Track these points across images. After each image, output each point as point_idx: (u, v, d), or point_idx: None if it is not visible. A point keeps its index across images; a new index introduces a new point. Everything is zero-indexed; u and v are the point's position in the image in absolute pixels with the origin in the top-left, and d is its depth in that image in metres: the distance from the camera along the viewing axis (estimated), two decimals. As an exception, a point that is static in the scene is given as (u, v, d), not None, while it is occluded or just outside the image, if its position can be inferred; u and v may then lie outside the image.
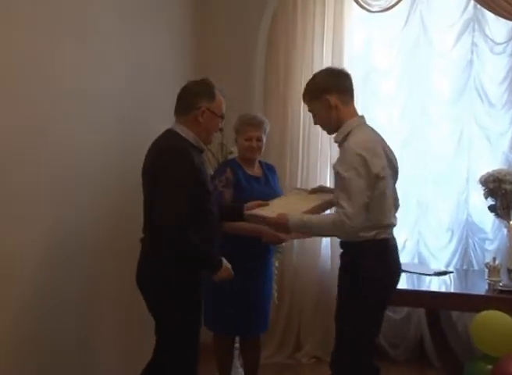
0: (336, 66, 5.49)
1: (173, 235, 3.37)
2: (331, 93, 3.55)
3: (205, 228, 3.52)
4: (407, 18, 5.80)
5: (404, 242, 5.82)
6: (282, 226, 3.61)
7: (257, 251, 4.45)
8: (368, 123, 5.65)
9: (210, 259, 3.59)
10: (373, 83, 5.96)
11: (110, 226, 4.74)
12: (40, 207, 3.98)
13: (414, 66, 5.85)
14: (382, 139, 3.73)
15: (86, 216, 4.43)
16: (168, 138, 3.57)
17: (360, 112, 5.66)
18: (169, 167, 3.41)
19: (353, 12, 5.87)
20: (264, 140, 4.65)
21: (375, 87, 5.96)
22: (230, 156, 5.13)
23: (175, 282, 3.50)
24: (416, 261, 5.78)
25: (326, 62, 5.80)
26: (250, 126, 4.58)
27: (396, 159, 3.70)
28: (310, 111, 3.78)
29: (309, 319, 5.91)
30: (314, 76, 3.83)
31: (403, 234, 5.80)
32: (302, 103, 5.61)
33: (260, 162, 4.74)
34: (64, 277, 4.21)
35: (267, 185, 4.60)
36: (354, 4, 5.75)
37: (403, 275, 4.74)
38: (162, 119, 3.96)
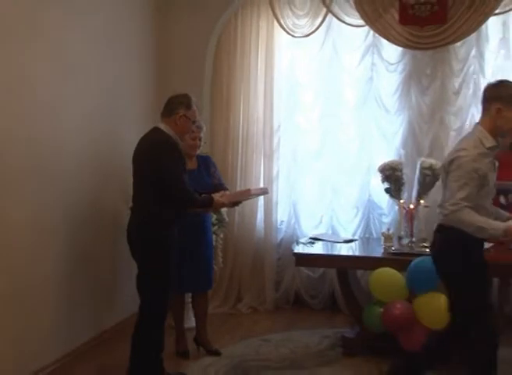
0: (268, 79, 5.97)
1: (185, 197, 3.94)
2: None
3: None
4: (323, 42, 6.00)
5: (321, 218, 6.09)
6: None
7: (197, 225, 4.66)
8: (292, 126, 6.00)
9: (202, 203, 4.13)
10: (296, 94, 6.15)
11: (89, 204, 4.88)
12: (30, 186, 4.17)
13: (328, 80, 6.05)
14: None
15: (70, 196, 4.60)
16: (158, 133, 3.97)
17: (285, 118, 5.99)
18: (167, 153, 3.87)
19: (281, 36, 6.05)
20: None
21: (298, 97, 6.15)
22: None
23: (156, 238, 3.88)
24: (330, 232, 5.96)
25: (260, 76, 6.07)
26: (195, 127, 4.59)
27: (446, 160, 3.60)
28: None
29: (247, 278, 6.13)
30: None
31: (320, 211, 6.11)
32: (242, 107, 6.05)
33: (197, 156, 4.82)
34: (53, 242, 4.45)
35: (197, 177, 4.63)
36: (282, 30, 5.96)
37: (319, 242, 5.22)
38: (130, 119, 4.19)
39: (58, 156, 4.48)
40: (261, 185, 5.97)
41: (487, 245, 4.63)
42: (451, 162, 3.48)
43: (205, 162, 4.86)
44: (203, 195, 4.16)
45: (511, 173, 5.05)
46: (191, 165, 4.67)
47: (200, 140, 4.74)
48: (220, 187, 4.69)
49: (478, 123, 3.59)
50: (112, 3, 5.20)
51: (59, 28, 4.47)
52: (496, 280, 5.05)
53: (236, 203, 4.51)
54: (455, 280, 3.57)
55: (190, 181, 4.28)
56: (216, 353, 4.81)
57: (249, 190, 4.73)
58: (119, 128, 5.24)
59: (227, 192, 4.52)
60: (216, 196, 4.15)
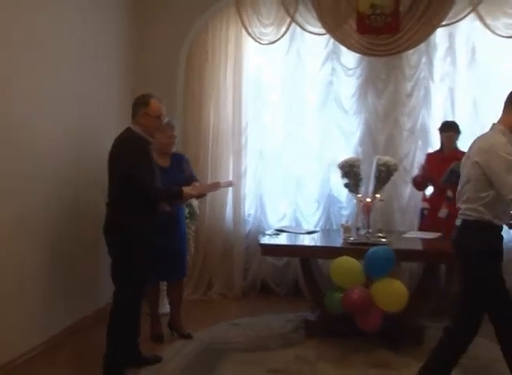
0: (237, 82, 6.02)
1: (148, 192, 3.93)
2: None
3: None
4: (287, 49, 6.08)
5: (285, 211, 6.18)
6: None
7: (171, 218, 4.61)
8: (259, 125, 6.07)
9: (171, 195, 4.20)
10: (263, 96, 6.23)
11: (69, 198, 4.87)
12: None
13: (292, 83, 6.14)
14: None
15: (51, 190, 4.62)
16: (125, 132, 4.01)
17: (252, 118, 6.04)
18: (127, 151, 3.88)
19: (248, 43, 6.12)
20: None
21: (265, 99, 6.24)
22: None
23: (126, 232, 3.88)
24: (294, 224, 6.04)
25: (229, 79, 6.12)
26: (170, 127, 4.70)
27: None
28: None
29: (217, 267, 6.19)
30: None
31: (285, 205, 6.20)
32: (212, 107, 6.10)
33: (173, 153, 4.82)
34: (30, 232, 4.41)
35: (170, 173, 4.61)
36: (250, 38, 6.04)
37: (284, 234, 5.24)
38: (110, 120, 4.17)
39: (39, 153, 4.48)
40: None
41: (433, 235, 4.89)
42: (485, 156, 3.41)
43: (178, 159, 4.82)
44: (173, 188, 4.21)
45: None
46: (164, 162, 4.65)
47: (174, 138, 4.79)
48: (191, 178, 4.72)
49: (497, 122, 3.59)
50: (90, 8, 5.18)
51: (33, 27, 4.41)
52: (442, 266, 5.26)
53: (203, 194, 4.73)
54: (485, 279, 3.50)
55: (164, 178, 4.33)
56: (188, 337, 4.85)
57: (218, 183, 4.83)
58: (97, 128, 5.22)
59: (197, 184, 4.58)
60: (185, 188, 4.17)
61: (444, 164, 5.19)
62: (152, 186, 3.96)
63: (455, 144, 5.37)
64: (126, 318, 3.96)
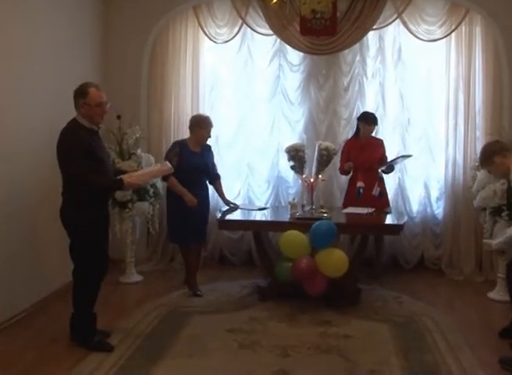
0: (195, 77, 5.94)
1: (77, 181, 3.59)
2: None
3: (101, 173, 3.66)
4: (239, 47, 6.02)
5: (239, 190, 6.11)
6: None
7: (199, 190, 4.87)
8: (215, 115, 5.84)
9: (111, 185, 3.78)
10: (219, 89, 6.13)
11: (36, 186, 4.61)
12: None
13: (244, 78, 6.08)
14: None
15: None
16: (67, 124, 3.70)
17: (209, 109, 5.88)
18: (64, 142, 3.61)
19: (205, 42, 6.04)
20: None
21: (220, 92, 6.13)
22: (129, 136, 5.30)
23: (74, 218, 3.68)
24: (247, 202, 5.99)
25: (188, 75, 6.00)
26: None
27: None
28: None
29: None
30: None
31: (238, 185, 6.12)
32: (173, 100, 5.98)
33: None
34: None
35: (201, 157, 4.91)
36: (206, 37, 5.98)
37: (238, 210, 5.17)
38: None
39: (12, 150, 4.28)
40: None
41: (368, 210, 4.91)
42: None
43: (207, 147, 5.07)
44: (112, 178, 3.81)
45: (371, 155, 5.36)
46: (197, 149, 4.94)
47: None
48: (213, 165, 5.13)
49: None
50: (58, 4, 4.99)
51: (13, 35, 4.29)
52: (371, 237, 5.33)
53: (146, 182, 4.47)
54: None
55: (196, 160, 4.81)
56: (198, 295, 4.96)
57: (159, 170, 4.25)
58: (61, 119, 4.95)
59: (138, 173, 4.04)
60: (126, 178, 3.74)
61: (363, 149, 5.35)
62: (82, 175, 3.57)
63: (371, 133, 5.48)
64: (80, 292, 3.81)
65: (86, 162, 3.57)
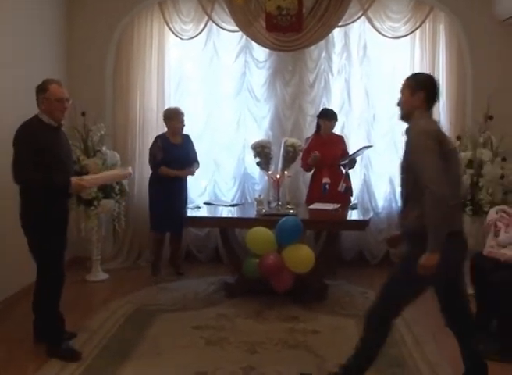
0: (160, 73, 5.92)
1: (24, 180, 3.49)
2: None
3: (54, 171, 3.52)
4: (205, 44, 6.00)
5: (205, 187, 6.11)
6: None
7: (181, 179, 5.37)
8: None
9: (55, 183, 3.56)
10: (185, 85, 6.10)
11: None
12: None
13: (210, 74, 6.05)
14: None
15: None
16: (27, 120, 3.61)
17: (179, 105, 5.75)
18: (16, 137, 3.54)
19: (170, 38, 5.98)
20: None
21: (186, 88, 6.11)
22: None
23: (28, 217, 3.61)
24: (213, 198, 5.92)
25: (154, 71, 5.95)
26: (181, 114, 5.34)
27: None
28: None
29: (145, 238, 5.91)
30: None
31: (204, 182, 6.10)
32: (139, 97, 5.95)
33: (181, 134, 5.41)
34: None
35: (181, 148, 5.35)
36: (172, 34, 5.93)
37: (205, 207, 5.24)
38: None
39: None
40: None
41: (333, 206, 4.95)
42: None
43: (187, 139, 5.50)
44: (60, 177, 3.60)
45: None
46: (176, 140, 5.39)
47: (183, 122, 5.40)
48: (194, 156, 5.51)
49: None
50: None
51: None
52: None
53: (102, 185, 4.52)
54: None
55: (177, 152, 5.21)
56: (181, 274, 5.55)
57: (117, 175, 4.39)
58: (23, 119, 4.75)
59: (92, 176, 4.10)
60: (74, 179, 3.66)
61: (325, 146, 5.35)
62: (25, 171, 3.47)
63: (332, 129, 5.49)
64: (43, 292, 3.71)
65: (35, 158, 3.46)
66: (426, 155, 2.69)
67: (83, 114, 5.23)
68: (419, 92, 2.88)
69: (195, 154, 5.54)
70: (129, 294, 4.95)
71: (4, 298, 4.63)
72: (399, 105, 3.01)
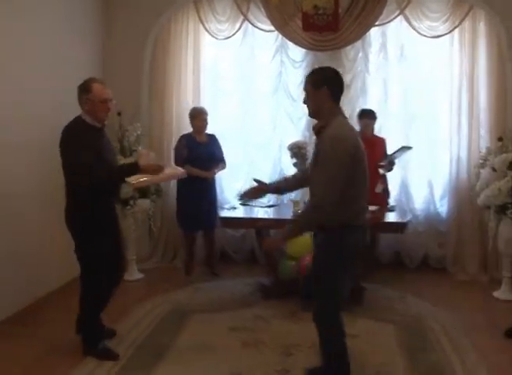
0: (196, 72, 5.94)
1: (86, 178, 3.39)
2: None
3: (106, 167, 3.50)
4: (241, 43, 6.01)
5: (241, 188, 5.83)
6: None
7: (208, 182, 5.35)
8: (216, 111, 5.94)
9: (121, 172, 3.59)
10: (220, 84, 6.12)
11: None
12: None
13: (245, 74, 6.05)
14: None
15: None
16: (71, 121, 3.56)
17: (210, 105, 5.85)
18: (67, 139, 3.48)
19: (206, 37, 6.02)
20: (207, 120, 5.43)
21: (222, 87, 6.12)
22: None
23: (75, 220, 3.57)
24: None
25: (190, 70, 5.99)
26: (204, 113, 5.39)
27: None
28: None
29: (181, 238, 5.87)
30: None
31: (241, 183, 6.04)
32: (174, 96, 5.99)
33: (206, 133, 5.46)
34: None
35: (207, 146, 5.39)
36: (207, 33, 5.96)
37: (240, 207, 5.21)
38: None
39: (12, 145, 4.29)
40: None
41: (371, 208, 4.89)
42: None
43: (212, 139, 5.52)
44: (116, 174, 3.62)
45: None
46: (201, 138, 5.42)
47: (205, 121, 5.42)
48: (220, 154, 5.52)
49: None
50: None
51: (16, 30, 4.32)
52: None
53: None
54: None
55: (202, 150, 5.22)
56: (216, 275, 5.55)
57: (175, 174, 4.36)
58: (62, 117, 4.91)
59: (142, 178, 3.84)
60: (131, 179, 3.62)
61: (365, 146, 5.14)
62: (86, 170, 3.39)
63: (371, 129, 5.42)
64: (86, 295, 3.69)
65: (89, 159, 3.42)
66: (334, 167, 2.81)
67: (119, 114, 5.27)
68: (322, 88, 2.91)
69: (221, 153, 5.55)
70: (165, 294, 4.98)
71: (43, 294, 4.73)
72: (305, 102, 3.06)
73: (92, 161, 3.41)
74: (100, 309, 3.75)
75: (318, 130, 3.00)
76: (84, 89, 3.55)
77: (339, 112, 3.01)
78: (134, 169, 3.58)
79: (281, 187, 3.59)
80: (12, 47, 4.29)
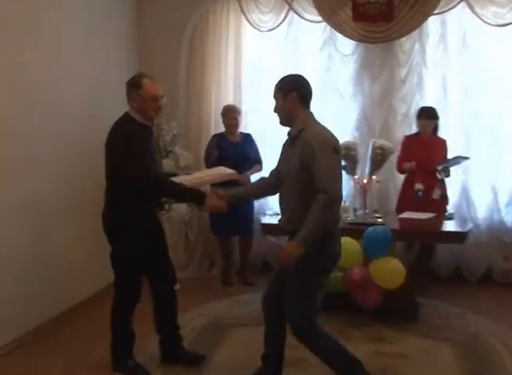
0: (237, 68, 5.95)
1: (142, 180, 3.34)
2: None
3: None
4: (285, 35, 5.96)
5: None
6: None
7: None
8: (258, 109, 5.92)
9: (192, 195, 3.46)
10: (260, 80, 6.01)
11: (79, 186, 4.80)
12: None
13: (290, 69, 5.40)
14: None
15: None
16: (120, 119, 3.54)
17: (252, 103, 5.90)
18: (120, 138, 3.40)
19: (248, 30, 6.00)
20: (239, 119, 5.53)
21: (265, 83, 5.81)
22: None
23: (116, 227, 3.52)
24: None
25: (230, 64, 6.00)
26: (231, 111, 5.47)
27: None
28: None
29: (217, 246, 5.87)
30: None
31: None
32: (214, 94, 6.00)
33: (241, 132, 5.56)
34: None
35: (240, 146, 5.43)
36: (249, 24, 5.94)
37: None
38: (112, 104, 3.91)
39: (49, 139, 4.41)
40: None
41: (428, 216, 4.79)
42: None
43: (247, 138, 5.59)
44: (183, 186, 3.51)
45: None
46: (234, 138, 5.49)
47: (236, 119, 5.51)
48: (256, 155, 5.56)
49: None
50: None
51: (54, 22, 4.43)
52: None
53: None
54: None
55: (235, 151, 5.25)
56: (251, 285, 5.53)
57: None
58: (104, 113, 5.04)
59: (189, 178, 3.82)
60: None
61: (424, 148, 5.19)
62: (146, 173, 3.37)
63: (430, 129, 5.28)
64: (118, 306, 3.66)
65: (147, 160, 3.39)
66: (329, 159, 3.01)
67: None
68: (290, 94, 3.13)
69: (257, 154, 5.57)
70: (202, 305, 4.97)
71: (65, 308, 4.79)
72: (275, 111, 3.26)
73: (150, 163, 3.40)
74: (127, 320, 3.70)
75: (296, 134, 3.13)
76: (134, 85, 3.52)
77: (312, 117, 3.23)
78: (200, 202, 3.47)
79: (248, 193, 3.78)
80: (42, 37, 4.37)
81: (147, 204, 3.59)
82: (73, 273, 4.85)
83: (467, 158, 5.24)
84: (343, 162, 4.86)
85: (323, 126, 3.24)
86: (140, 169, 3.35)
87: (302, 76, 3.30)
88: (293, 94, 3.14)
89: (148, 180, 3.38)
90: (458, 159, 5.17)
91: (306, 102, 3.21)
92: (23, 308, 4.17)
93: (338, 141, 3.20)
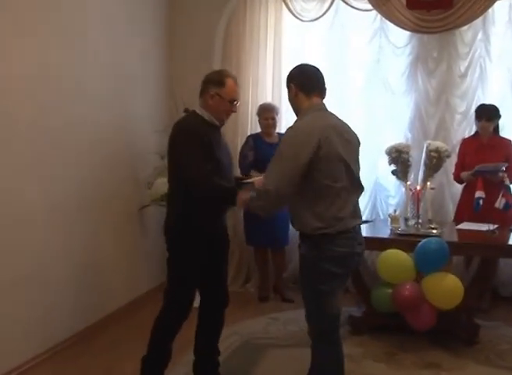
0: (276, 62, 6.03)
1: (194, 183, 3.39)
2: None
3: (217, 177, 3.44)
4: (331, 25, 6.05)
5: None
6: None
7: None
8: None
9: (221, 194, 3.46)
10: (304, 75, 6.31)
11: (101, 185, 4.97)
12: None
13: (336, 62, 6.05)
14: None
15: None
16: (184, 117, 3.67)
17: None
18: (181, 138, 3.46)
19: (289, 20, 6.11)
20: (277, 119, 5.61)
21: None
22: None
23: (177, 235, 3.56)
24: None
25: (269, 57, 6.09)
26: (269, 110, 5.57)
27: None
28: None
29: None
30: None
31: None
32: (251, 90, 6.14)
33: (279, 133, 5.59)
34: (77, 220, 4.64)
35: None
36: (290, 14, 6.02)
37: None
38: (143, 102, 4.16)
39: (75, 140, 4.58)
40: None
41: (489, 227, 4.84)
42: None
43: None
44: (226, 187, 3.54)
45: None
46: (271, 140, 5.54)
47: (273, 119, 5.58)
48: None
49: None
50: None
51: (79, 17, 4.60)
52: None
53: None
54: None
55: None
56: (290, 301, 5.65)
57: None
58: (133, 111, 5.32)
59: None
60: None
61: (483, 151, 5.26)
62: (201, 177, 3.40)
63: (490, 130, 5.32)
64: (164, 318, 3.71)
65: (206, 162, 3.43)
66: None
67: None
68: (291, 86, 3.30)
69: None
70: (236, 323, 5.02)
71: (103, 315, 5.07)
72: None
73: (210, 165, 3.44)
74: (170, 336, 3.74)
75: None
76: (217, 82, 3.57)
77: (315, 107, 3.30)
78: (232, 199, 3.48)
79: None
80: (62, 26, 4.50)
81: (210, 209, 3.58)
82: (112, 277, 5.14)
83: (504, 165, 5.22)
84: (392, 166, 5.05)
85: (320, 117, 3.27)
86: (197, 171, 3.40)
87: (306, 65, 3.45)
88: (291, 85, 3.31)
89: (197, 181, 3.43)
90: (495, 167, 5.17)
91: (307, 91, 3.28)
92: (61, 317, 4.50)
93: (327, 136, 3.14)
